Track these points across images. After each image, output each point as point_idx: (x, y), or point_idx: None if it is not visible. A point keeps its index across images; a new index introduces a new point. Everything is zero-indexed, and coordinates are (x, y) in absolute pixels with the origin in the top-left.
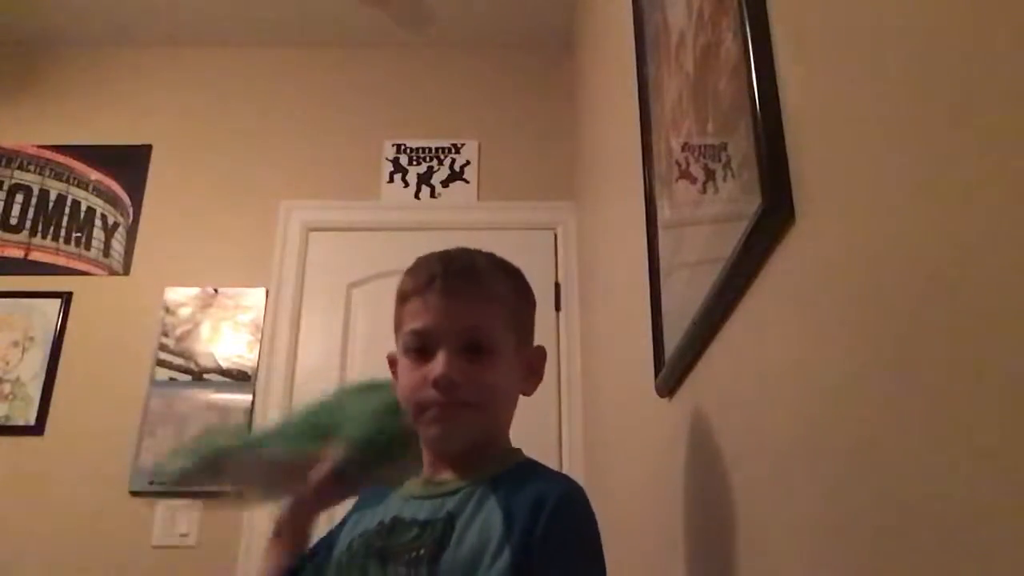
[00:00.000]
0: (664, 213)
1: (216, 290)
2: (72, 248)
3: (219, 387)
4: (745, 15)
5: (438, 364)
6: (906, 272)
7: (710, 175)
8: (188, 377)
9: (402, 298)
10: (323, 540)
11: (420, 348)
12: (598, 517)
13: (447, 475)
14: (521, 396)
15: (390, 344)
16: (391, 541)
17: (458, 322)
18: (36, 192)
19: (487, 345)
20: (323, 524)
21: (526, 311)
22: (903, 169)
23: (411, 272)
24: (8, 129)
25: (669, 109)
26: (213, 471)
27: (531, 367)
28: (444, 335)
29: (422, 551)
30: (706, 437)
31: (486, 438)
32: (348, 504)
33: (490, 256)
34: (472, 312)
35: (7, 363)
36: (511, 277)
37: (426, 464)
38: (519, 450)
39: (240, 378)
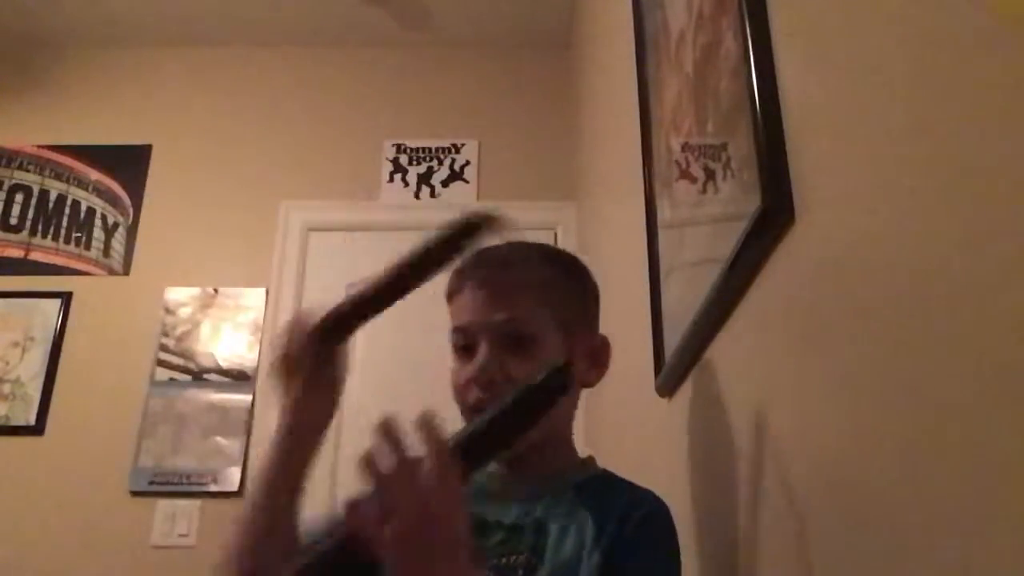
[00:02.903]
0: (664, 213)
1: (216, 290)
2: (72, 248)
3: (219, 387)
4: (745, 15)
5: (476, 361)
6: (906, 272)
7: (710, 175)
8: (188, 377)
9: (447, 298)
10: None
11: (464, 346)
12: None
13: (520, 474)
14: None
15: (390, 344)
16: (475, 542)
17: (492, 314)
18: (36, 192)
19: (528, 334)
20: None
21: (578, 297)
22: (903, 169)
23: (453, 270)
24: (8, 129)
25: (669, 109)
26: None
27: (594, 357)
28: (482, 329)
29: (515, 558)
30: (706, 437)
31: (545, 435)
32: None
33: (534, 245)
34: (506, 302)
35: (7, 363)
36: (555, 263)
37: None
38: (592, 458)
39: (240, 378)
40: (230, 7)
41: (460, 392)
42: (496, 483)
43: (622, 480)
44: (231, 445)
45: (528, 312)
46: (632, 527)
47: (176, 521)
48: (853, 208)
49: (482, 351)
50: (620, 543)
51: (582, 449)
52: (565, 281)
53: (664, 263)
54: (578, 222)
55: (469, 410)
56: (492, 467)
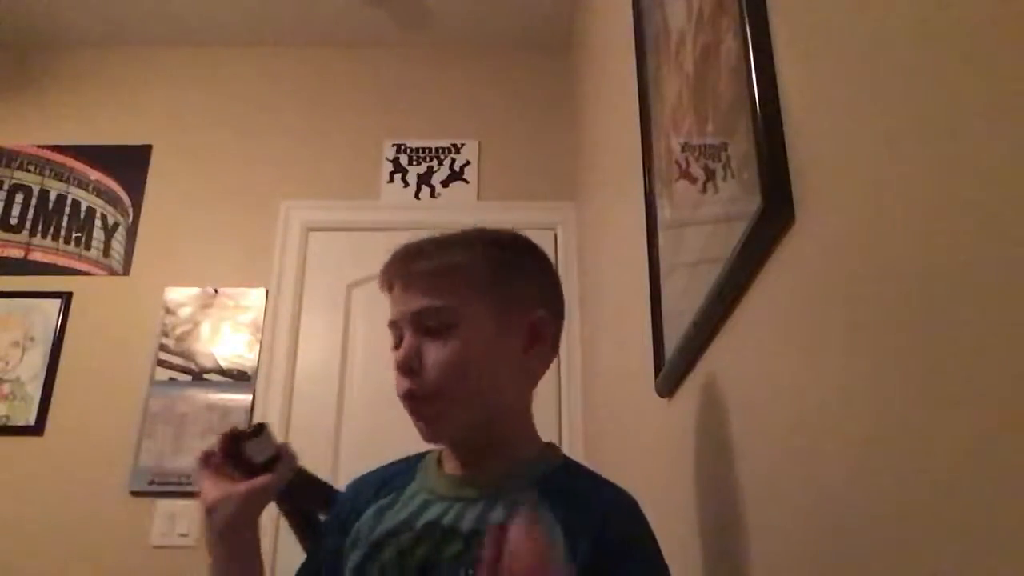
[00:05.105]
0: (664, 213)
1: (216, 290)
2: (72, 248)
3: (219, 387)
4: (745, 15)
5: (399, 351)
6: (905, 271)
7: (710, 175)
8: (188, 377)
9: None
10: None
11: (396, 342)
12: None
13: (476, 472)
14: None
15: (390, 344)
16: (431, 551)
17: (411, 303)
18: (36, 192)
19: (446, 321)
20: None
21: (512, 278)
22: (902, 169)
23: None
24: (8, 129)
25: (669, 109)
26: None
27: (534, 333)
28: (404, 321)
29: (473, 570)
30: (706, 437)
31: (482, 420)
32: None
33: (466, 231)
34: (424, 289)
35: (7, 363)
36: (490, 246)
37: (445, 455)
38: (552, 444)
39: (240, 378)
40: (230, 7)
41: (397, 386)
42: (447, 483)
43: (587, 476)
44: None
45: (446, 298)
46: (612, 548)
47: (176, 521)
48: (853, 208)
49: (404, 341)
50: (603, 567)
51: (580, 451)
52: (493, 260)
53: (664, 263)
54: (578, 222)
55: (403, 402)
56: (446, 467)
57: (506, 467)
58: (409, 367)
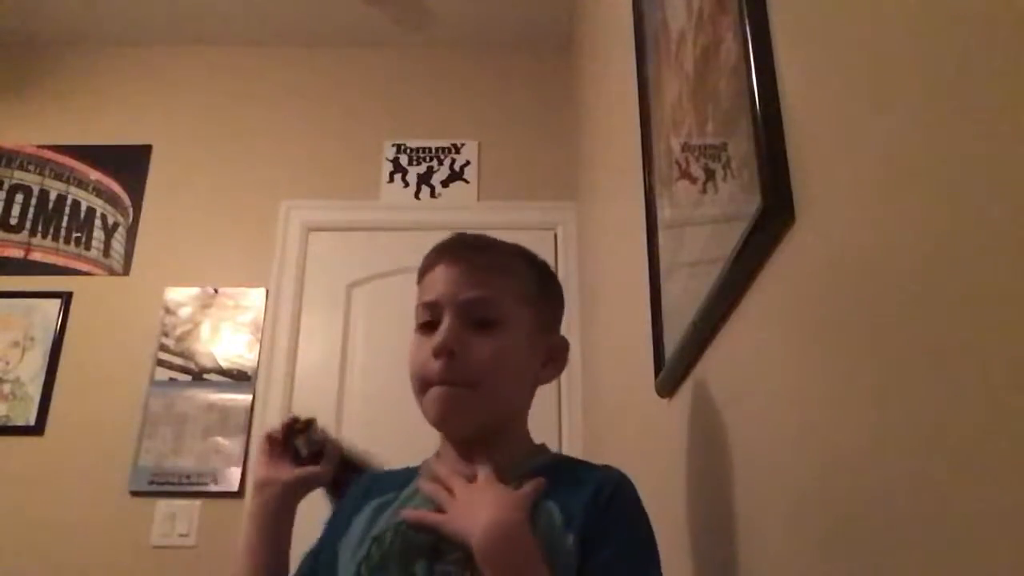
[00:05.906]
0: (664, 213)
1: (216, 290)
2: (72, 248)
3: (219, 387)
4: (745, 15)
5: (439, 333)
6: (907, 270)
7: (710, 175)
8: (188, 377)
9: (419, 278)
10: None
11: (429, 321)
12: None
13: (474, 467)
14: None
15: (390, 344)
16: (437, 538)
17: (465, 290)
18: (36, 192)
19: (496, 317)
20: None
21: (548, 300)
22: (903, 169)
23: (430, 251)
24: (8, 129)
25: (669, 109)
26: None
27: (552, 356)
28: (450, 304)
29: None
30: (706, 437)
31: (496, 420)
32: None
33: (515, 245)
34: (480, 281)
35: (7, 363)
36: (534, 265)
37: (449, 452)
38: (544, 444)
39: (240, 378)
40: (230, 7)
41: (421, 367)
42: None
43: (579, 462)
44: (231, 445)
45: (502, 296)
46: (600, 512)
47: (176, 521)
48: (853, 207)
49: (445, 323)
50: (593, 531)
51: (580, 451)
52: (543, 284)
53: (664, 263)
54: (578, 222)
55: (423, 385)
56: (444, 463)
57: (503, 462)
58: (451, 351)
